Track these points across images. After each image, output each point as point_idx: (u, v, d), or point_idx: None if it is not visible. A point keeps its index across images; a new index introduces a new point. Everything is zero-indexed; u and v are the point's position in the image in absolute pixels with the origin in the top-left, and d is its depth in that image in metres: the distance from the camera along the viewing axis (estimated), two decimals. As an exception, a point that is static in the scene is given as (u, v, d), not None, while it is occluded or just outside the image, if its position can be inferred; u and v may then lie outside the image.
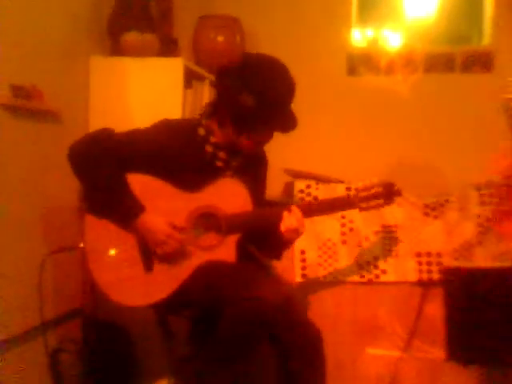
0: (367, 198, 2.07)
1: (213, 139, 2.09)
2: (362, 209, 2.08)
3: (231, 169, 2.11)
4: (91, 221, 2.02)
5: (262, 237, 2.12)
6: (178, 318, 2.23)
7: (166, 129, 2.07)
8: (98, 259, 2.01)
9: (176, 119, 2.22)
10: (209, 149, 2.09)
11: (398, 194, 2.12)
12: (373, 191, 2.07)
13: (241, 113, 1.97)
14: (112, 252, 2.01)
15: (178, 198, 2.02)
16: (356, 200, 2.07)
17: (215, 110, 2.09)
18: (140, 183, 2.00)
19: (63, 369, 2.40)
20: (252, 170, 2.17)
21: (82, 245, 2.03)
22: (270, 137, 2.06)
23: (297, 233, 2.02)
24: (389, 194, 2.08)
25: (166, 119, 2.10)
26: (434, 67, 3.40)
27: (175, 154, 2.02)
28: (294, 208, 2.01)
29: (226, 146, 2.08)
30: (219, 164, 2.10)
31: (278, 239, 2.05)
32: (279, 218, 2.02)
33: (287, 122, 2.00)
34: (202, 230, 2.06)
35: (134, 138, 2.03)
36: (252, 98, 1.94)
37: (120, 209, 1.98)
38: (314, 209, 2.10)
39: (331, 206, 2.13)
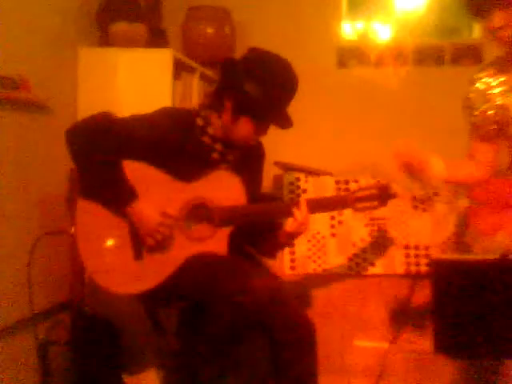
0: (362, 199, 2.07)
1: (210, 130, 2.08)
2: (356, 209, 2.08)
3: (227, 161, 2.11)
4: (83, 205, 2.00)
5: (259, 234, 2.12)
6: (168, 310, 2.23)
7: (165, 117, 2.06)
8: (88, 244, 1.99)
9: (175, 108, 2.21)
10: (206, 140, 2.08)
11: (394, 196, 2.11)
12: (368, 192, 2.07)
13: (244, 100, 1.97)
14: (103, 238, 1.99)
15: (172, 187, 2.01)
16: (351, 200, 2.07)
17: (216, 99, 2.08)
18: (135, 170, 1.98)
19: (52, 361, 2.40)
20: (248, 163, 2.16)
21: (72, 230, 2.01)
22: (265, 129, 2.06)
23: (305, 227, 2.03)
24: (384, 196, 2.09)
25: (165, 107, 2.10)
26: (423, 60, 3.42)
27: (172, 142, 2.01)
28: (303, 202, 2.02)
29: (223, 138, 2.08)
30: (215, 156, 2.10)
31: (277, 236, 2.07)
32: (275, 214, 2.04)
33: (284, 117, 2.01)
34: (195, 221, 2.05)
35: (133, 124, 2.02)
36: (256, 86, 1.95)
37: (113, 194, 1.96)
38: (311, 208, 2.11)
39: (325, 205, 2.14)
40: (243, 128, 2.02)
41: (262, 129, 2.05)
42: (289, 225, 2.02)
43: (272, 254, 2.20)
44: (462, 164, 2.18)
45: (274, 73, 1.98)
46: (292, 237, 2.09)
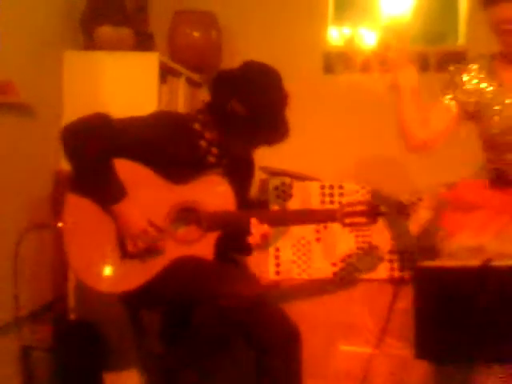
0: (351, 214, 2.07)
1: (207, 135, 2.10)
2: (345, 224, 2.09)
3: (222, 165, 2.13)
4: (72, 201, 2.00)
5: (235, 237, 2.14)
6: (151, 313, 2.23)
7: (163, 119, 2.09)
8: (74, 240, 1.99)
9: (173, 111, 2.23)
10: (203, 144, 2.10)
11: (383, 214, 2.12)
12: (357, 208, 2.08)
13: (228, 119, 2.01)
14: (90, 234, 1.99)
15: (163, 188, 2.02)
16: (340, 215, 2.08)
17: (208, 109, 2.11)
18: (127, 169, 1.98)
19: (34, 364, 2.38)
20: (241, 170, 2.19)
21: (60, 224, 2.00)
22: (254, 146, 2.10)
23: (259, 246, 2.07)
24: (373, 213, 2.09)
25: (162, 110, 2.12)
26: (408, 66, 3.42)
27: (169, 144, 2.03)
28: (255, 222, 2.02)
29: (218, 142, 2.10)
30: (212, 160, 2.12)
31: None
32: (265, 222, 2.05)
33: (272, 136, 2.05)
34: (183, 224, 2.05)
35: (130, 125, 2.03)
36: (241, 106, 1.98)
37: (102, 191, 1.96)
38: (298, 219, 2.15)
39: (315, 218, 2.18)
40: (231, 144, 2.08)
41: (250, 146, 2.09)
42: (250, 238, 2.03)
43: (246, 253, 2.23)
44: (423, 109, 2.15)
45: (260, 93, 2.01)
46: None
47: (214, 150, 2.11)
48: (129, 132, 2.01)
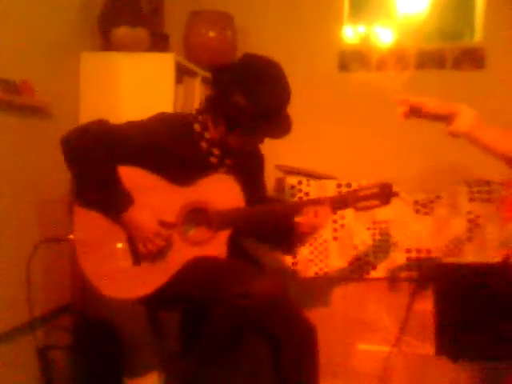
0: (364, 198, 2.07)
1: (207, 135, 2.09)
2: (358, 209, 2.08)
3: (225, 165, 2.12)
4: (81, 212, 2.00)
5: (273, 234, 2.13)
6: (169, 313, 2.23)
7: (162, 122, 2.07)
8: (87, 251, 1.99)
9: (172, 113, 2.21)
10: (204, 145, 2.09)
11: (395, 195, 2.11)
12: (369, 192, 2.07)
13: (231, 112, 1.97)
14: (101, 244, 1.99)
15: (169, 192, 2.01)
16: (352, 200, 2.07)
17: (210, 106, 2.08)
18: (131, 176, 1.98)
19: (52, 365, 2.39)
20: (247, 167, 2.17)
21: (71, 236, 2.01)
22: (259, 140, 2.07)
23: (315, 229, 2.06)
24: (385, 194, 2.08)
25: (162, 113, 2.10)
26: (425, 64, 3.41)
27: (170, 147, 2.02)
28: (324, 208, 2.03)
29: (219, 143, 2.08)
30: (213, 160, 2.10)
31: (288, 235, 2.08)
32: (274, 215, 2.04)
33: (276, 129, 1.99)
34: (193, 225, 2.05)
35: (129, 130, 2.02)
36: (244, 98, 1.94)
37: (109, 201, 1.96)
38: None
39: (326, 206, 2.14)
40: (235, 141, 2.04)
41: (255, 140, 2.06)
42: (302, 226, 2.02)
43: (289, 251, 2.22)
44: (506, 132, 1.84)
45: (263, 83, 1.97)
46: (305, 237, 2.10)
47: (216, 151, 2.09)
48: (130, 137, 2.00)
